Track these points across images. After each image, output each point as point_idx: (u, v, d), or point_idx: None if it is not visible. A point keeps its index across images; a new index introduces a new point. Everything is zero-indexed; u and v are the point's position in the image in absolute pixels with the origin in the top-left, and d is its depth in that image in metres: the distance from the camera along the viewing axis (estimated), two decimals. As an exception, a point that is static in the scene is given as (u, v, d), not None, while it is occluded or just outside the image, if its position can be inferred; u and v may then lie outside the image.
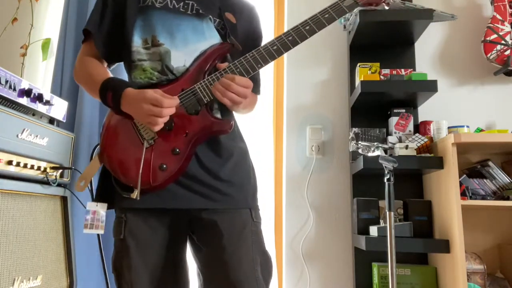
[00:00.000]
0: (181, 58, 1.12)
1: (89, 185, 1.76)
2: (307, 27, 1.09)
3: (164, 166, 1.06)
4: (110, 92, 1.08)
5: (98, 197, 1.15)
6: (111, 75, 1.15)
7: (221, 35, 1.16)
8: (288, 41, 1.08)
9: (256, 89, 1.25)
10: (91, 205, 1.14)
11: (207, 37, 1.14)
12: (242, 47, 1.15)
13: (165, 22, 1.13)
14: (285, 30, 2.27)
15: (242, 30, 1.21)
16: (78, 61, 1.21)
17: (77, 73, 1.22)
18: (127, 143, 1.08)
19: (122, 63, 1.23)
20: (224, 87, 1.05)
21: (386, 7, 1.19)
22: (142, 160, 1.06)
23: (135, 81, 1.13)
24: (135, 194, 1.05)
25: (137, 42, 1.13)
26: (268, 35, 2.27)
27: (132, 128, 1.09)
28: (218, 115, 1.15)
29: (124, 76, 1.22)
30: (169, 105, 1.02)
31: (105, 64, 1.22)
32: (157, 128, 1.03)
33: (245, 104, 1.12)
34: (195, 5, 1.16)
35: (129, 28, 1.14)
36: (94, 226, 1.14)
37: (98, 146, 1.16)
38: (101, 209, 1.14)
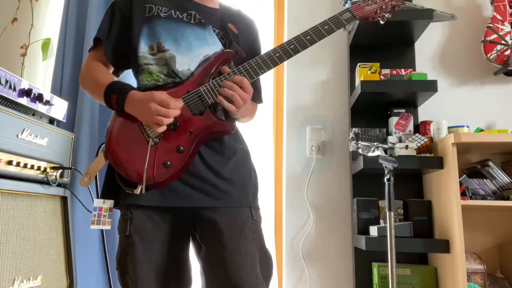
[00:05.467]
0: (185, 62, 1.17)
1: (89, 187, 1.78)
2: (308, 37, 1.17)
3: (168, 162, 1.09)
4: (115, 95, 1.12)
5: (104, 194, 1.19)
6: (116, 79, 1.19)
7: (222, 44, 1.21)
8: (290, 49, 1.16)
9: (257, 97, 1.32)
10: (98, 202, 1.17)
11: (210, 44, 1.20)
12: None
13: (170, 30, 1.18)
14: (285, 29, 2.29)
15: (243, 39, 1.27)
16: (85, 67, 1.25)
17: (83, 78, 1.25)
18: (133, 139, 1.12)
19: (130, 70, 1.27)
20: (230, 87, 1.10)
21: (382, 22, 1.28)
22: (148, 156, 1.09)
23: (142, 84, 1.17)
24: (138, 190, 1.08)
25: (143, 48, 1.18)
26: (268, 37, 2.29)
27: (138, 126, 1.13)
28: (222, 117, 1.19)
29: (131, 83, 1.25)
30: (175, 106, 1.07)
31: (111, 70, 1.27)
32: (161, 129, 1.07)
33: (242, 112, 1.18)
34: (198, 15, 1.22)
35: (135, 36, 1.19)
36: (101, 222, 1.18)
37: (104, 145, 1.19)
38: (107, 205, 1.17)
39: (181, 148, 1.10)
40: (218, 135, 1.16)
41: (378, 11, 1.25)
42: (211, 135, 1.14)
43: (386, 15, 1.26)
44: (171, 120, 1.07)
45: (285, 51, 1.16)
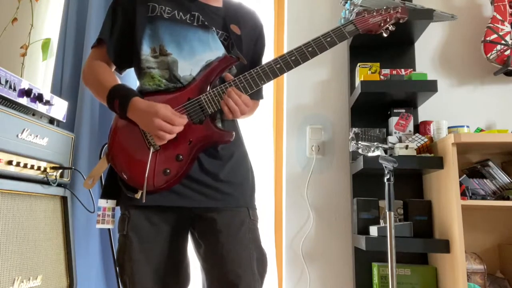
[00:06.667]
0: (187, 67, 1.17)
1: (90, 190, 1.77)
2: (310, 49, 1.17)
3: (168, 170, 1.11)
4: (118, 100, 1.12)
5: (106, 194, 1.20)
6: (119, 81, 1.19)
7: (225, 46, 1.20)
8: (291, 61, 1.16)
9: (259, 95, 1.33)
10: (102, 202, 1.20)
11: (212, 48, 1.19)
12: (246, 55, 1.21)
13: (172, 32, 1.18)
14: (285, 29, 2.29)
15: (246, 38, 1.26)
16: (87, 65, 1.25)
17: (86, 77, 1.25)
18: (134, 146, 1.13)
19: (132, 70, 1.27)
20: (233, 101, 1.11)
21: (385, 34, 1.27)
22: (149, 164, 1.10)
23: (144, 87, 1.18)
24: (139, 195, 1.10)
25: (145, 50, 1.17)
26: (268, 37, 2.28)
27: (140, 132, 1.14)
28: (220, 125, 1.20)
29: (132, 83, 1.25)
30: (180, 124, 1.08)
31: (113, 68, 1.27)
32: (163, 142, 1.09)
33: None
34: (201, 17, 1.21)
35: (138, 37, 1.18)
36: (105, 222, 1.20)
37: (106, 146, 1.20)
38: (111, 205, 1.20)
39: (181, 157, 1.12)
40: (217, 144, 1.17)
41: (382, 24, 1.24)
42: (210, 144, 1.15)
43: (390, 28, 1.25)
44: (173, 136, 1.09)
45: (286, 63, 1.16)
